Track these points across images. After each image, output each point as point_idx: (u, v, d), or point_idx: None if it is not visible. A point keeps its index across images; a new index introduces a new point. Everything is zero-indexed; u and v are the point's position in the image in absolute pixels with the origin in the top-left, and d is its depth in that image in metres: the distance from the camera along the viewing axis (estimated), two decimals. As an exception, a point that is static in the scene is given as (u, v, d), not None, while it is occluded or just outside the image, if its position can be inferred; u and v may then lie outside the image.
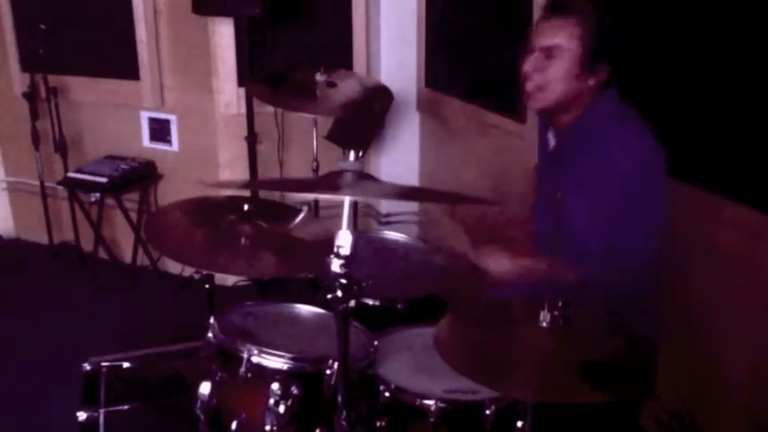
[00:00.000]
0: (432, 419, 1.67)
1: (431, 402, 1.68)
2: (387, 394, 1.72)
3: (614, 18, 1.90)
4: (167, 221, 2.08)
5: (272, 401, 1.69)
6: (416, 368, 1.82)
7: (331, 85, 2.97)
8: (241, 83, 3.48)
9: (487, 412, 1.66)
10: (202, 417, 1.79)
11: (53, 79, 3.58)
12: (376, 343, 1.84)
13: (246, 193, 2.51)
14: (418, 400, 1.69)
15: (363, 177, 1.48)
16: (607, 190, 1.78)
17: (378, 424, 1.72)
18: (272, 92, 2.99)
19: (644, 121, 1.83)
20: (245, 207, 1.99)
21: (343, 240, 1.38)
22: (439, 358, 1.51)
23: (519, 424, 1.62)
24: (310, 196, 3.05)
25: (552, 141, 1.96)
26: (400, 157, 3.75)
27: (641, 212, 1.79)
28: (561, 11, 1.81)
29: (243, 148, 3.47)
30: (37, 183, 3.79)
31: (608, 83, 1.85)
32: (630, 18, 2.20)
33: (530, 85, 1.86)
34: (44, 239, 3.92)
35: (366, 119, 3.36)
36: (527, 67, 1.85)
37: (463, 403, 1.70)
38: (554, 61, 1.81)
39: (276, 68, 3.14)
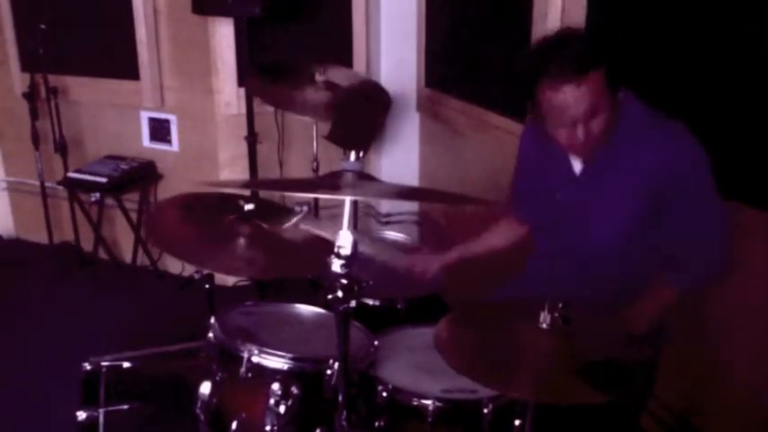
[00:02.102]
0: (429, 419, 1.67)
1: (428, 402, 1.68)
2: (384, 394, 1.72)
3: (614, 41, 1.87)
4: (166, 220, 2.08)
5: (272, 401, 1.69)
6: (415, 368, 1.82)
7: (331, 84, 2.98)
8: (241, 83, 3.48)
9: (485, 411, 1.67)
10: (202, 417, 1.79)
11: (53, 79, 3.58)
12: (376, 343, 1.84)
13: (246, 193, 2.51)
14: (416, 399, 1.70)
15: (363, 177, 1.48)
16: (654, 192, 1.78)
17: (376, 424, 1.72)
18: (270, 88, 2.98)
19: (673, 118, 1.81)
20: (245, 207, 1.99)
21: (344, 240, 1.38)
22: (438, 358, 1.51)
23: (516, 423, 1.63)
24: (310, 196, 3.05)
25: (577, 166, 1.90)
26: (400, 157, 3.75)
27: (705, 202, 1.80)
28: (579, 70, 1.66)
29: (243, 148, 3.47)
30: (37, 183, 3.79)
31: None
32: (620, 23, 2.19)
33: (582, 149, 1.79)
34: (44, 239, 3.92)
35: (366, 119, 3.36)
36: (576, 140, 1.73)
37: (461, 403, 1.70)
38: (597, 118, 1.71)
39: (276, 61, 3.13)
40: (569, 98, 1.67)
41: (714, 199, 1.80)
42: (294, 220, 2.02)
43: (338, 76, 3.05)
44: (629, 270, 1.90)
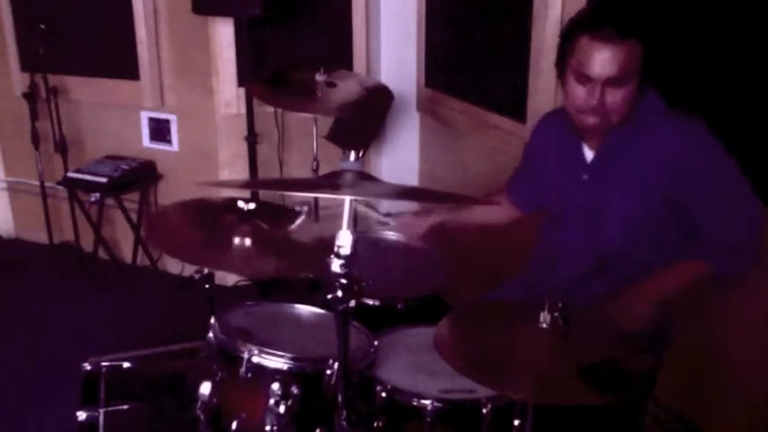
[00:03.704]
0: (428, 419, 1.67)
1: (427, 402, 1.68)
2: (383, 395, 1.72)
3: (664, 28, 1.88)
4: (167, 222, 2.08)
5: (272, 401, 1.68)
6: (414, 368, 1.82)
7: (331, 85, 2.97)
8: (241, 83, 3.48)
9: (484, 411, 1.66)
10: (202, 417, 1.79)
11: (53, 79, 3.58)
12: (376, 343, 1.84)
13: (246, 194, 2.51)
14: (414, 399, 1.70)
15: (363, 177, 1.48)
16: (665, 178, 1.78)
17: (375, 424, 1.72)
18: (272, 92, 2.99)
19: (694, 115, 1.81)
20: (245, 207, 1.99)
21: (343, 240, 1.38)
22: (437, 358, 1.51)
23: (516, 423, 1.63)
24: (310, 196, 3.05)
25: (589, 154, 1.91)
26: (400, 157, 3.75)
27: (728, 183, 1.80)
28: (622, 34, 1.69)
29: (243, 148, 3.48)
30: (37, 183, 3.79)
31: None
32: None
33: (595, 118, 1.76)
34: (44, 239, 3.92)
35: (366, 119, 3.36)
36: (591, 99, 1.73)
37: (459, 402, 1.70)
38: (621, 89, 1.72)
39: (276, 68, 3.14)
40: (605, 54, 1.69)
41: (741, 190, 1.80)
42: (299, 220, 2.03)
43: (339, 75, 3.04)
44: (638, 271, 1.89)
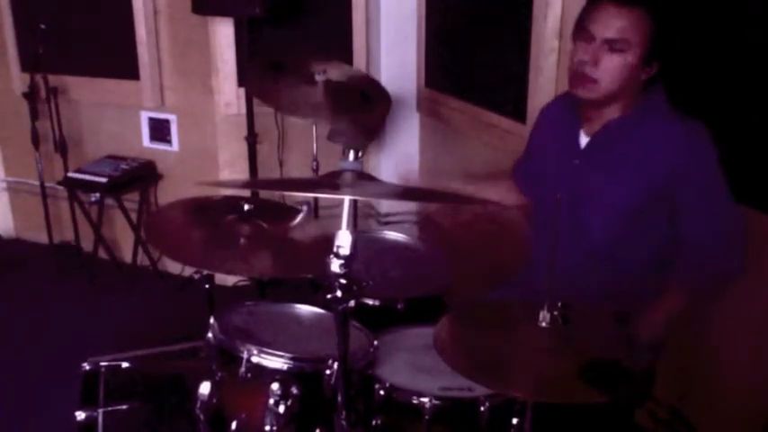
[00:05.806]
0: (427, 417, 1.67)
1: (425, 400, 1.68)
2: (381, 393, 1.72)
3: (677, 13, 1.87)
4: (167, 221, 2.08)
5: (271, 401, 1.68)
6: (413, 367, 1.82)
7: (330, 84, 2.97)
8: (241, 83, 3.48)
9: (482, 409, 1.67)
10: (202, 417, 1.79)
11: (53, 79, 3.58)
12: (376, 343, 1.84)
13: (246, 193, 2.50)
14: (413, 398, 1.70)
15: (363, 177, 1.48)
16: (658, 175, 1.79)
17: (373, 422, 1.72)
18: (270, 88, 2.97)
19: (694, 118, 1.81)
20: (245, 207, 1.99)
21: (343, 240, 1.38)
22: (437, 358, 1.51)
23: (514, 421, 1.63)
24: (310, 196, 3.05)
25: (585, 140, 1.92)
26: (400, 157, 3.75)
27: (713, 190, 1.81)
28: (631, 1, 1.72)
29: (243, 148, 3.47)
30: (37, 183, 3.79)
31: (655, 79, 1.82)
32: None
33: (584, 75, 1.77)
34: (44, 239, 3.92)
35: (366, 119, 3.35)
36: (584, 56, 1.75)
37: (458, 401, 1.70)
38: (616, 55, 1.73)
39: (275, 58, 3.12)
40: (609, 14, 1.73)
41: (724, 201, 1.81)
42: (300, 218, 2.03)
43: (337, 72, 3.04)
44: (623, 263, 1.89)
